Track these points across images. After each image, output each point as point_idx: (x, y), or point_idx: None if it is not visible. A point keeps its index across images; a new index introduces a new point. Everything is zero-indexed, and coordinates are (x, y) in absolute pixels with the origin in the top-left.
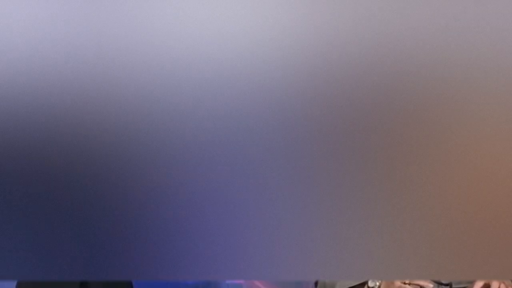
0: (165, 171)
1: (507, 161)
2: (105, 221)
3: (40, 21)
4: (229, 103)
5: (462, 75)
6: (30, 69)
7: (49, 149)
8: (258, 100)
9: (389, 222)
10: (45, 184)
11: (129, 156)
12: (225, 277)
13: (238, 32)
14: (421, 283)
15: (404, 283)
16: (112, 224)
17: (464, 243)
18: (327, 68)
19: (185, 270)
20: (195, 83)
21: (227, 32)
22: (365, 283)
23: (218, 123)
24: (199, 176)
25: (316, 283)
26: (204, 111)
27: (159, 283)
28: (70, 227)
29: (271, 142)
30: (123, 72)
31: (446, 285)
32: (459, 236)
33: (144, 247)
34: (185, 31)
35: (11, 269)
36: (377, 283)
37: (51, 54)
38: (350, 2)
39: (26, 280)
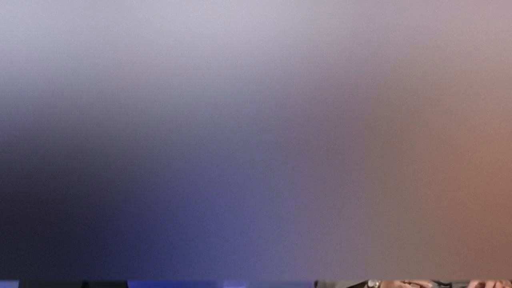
0: (165, 171)
1: (507, 161)
2: (105, 221)
3: (40, 21)
4: (229, 103)
5: (461, 75)
6: (30, 69)
7: (49, 149)
8: (258, 100)
9: (389, 222)
10: (45, 184)
11: (129, 157)
12: (225, 277)
13: (238, 32)
14: (421, 282)
15: (404, 283)
16: (112, 224)
17: (464, 243)
18: (327, 68)
19: (184, 270)
20: (195, 83)
21: (226, 32)
22: (365, 283)
23: (218, 123)
24: (199, 176)
25: (316, 283)
26: (204, 112)
27: (156, 283)
28: (70, 227)
29: (271, 142)
30: (123, 72)
31: (446, 285)
32: (459, 236)
33: (143, 247)
34: (184, 31)
35: (11, 269)
36: (377, 283)
37: (51, 54)
38: (350, 2)
39: (26, 280)
